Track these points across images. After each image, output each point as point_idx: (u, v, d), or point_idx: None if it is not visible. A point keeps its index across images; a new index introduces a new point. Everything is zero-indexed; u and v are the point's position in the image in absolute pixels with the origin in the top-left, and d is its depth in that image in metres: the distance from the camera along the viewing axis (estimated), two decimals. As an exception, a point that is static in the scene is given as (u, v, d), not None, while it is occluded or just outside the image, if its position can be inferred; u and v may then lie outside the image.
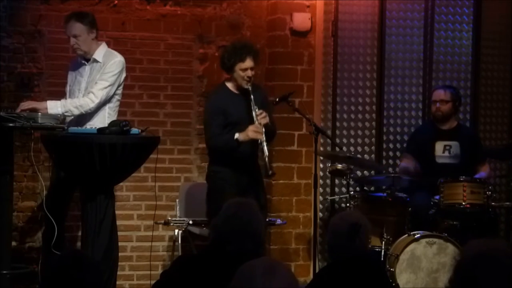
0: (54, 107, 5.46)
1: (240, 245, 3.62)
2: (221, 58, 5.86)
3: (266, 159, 5.60)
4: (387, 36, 7.20)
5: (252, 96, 5.66)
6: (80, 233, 5.86)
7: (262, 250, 3.75)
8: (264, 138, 5.58)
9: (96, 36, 5.65)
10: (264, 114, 5.63)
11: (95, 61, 5.62)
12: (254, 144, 5.72)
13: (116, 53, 5.69)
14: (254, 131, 5.59)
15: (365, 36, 7.15)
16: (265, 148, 5.59)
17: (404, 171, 6.60)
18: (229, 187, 5.62)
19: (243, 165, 5.71)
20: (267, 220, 5.90)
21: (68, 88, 5.77)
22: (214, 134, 5.70)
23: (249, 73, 5.68)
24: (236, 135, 5.61)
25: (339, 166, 6.43)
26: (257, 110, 5.63)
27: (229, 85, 5.80)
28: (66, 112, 5.49)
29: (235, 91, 5.77)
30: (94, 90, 5.52)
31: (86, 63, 5.66)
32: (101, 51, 5.64)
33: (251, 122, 5.63)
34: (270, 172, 5.78)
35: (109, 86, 5.55)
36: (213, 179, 5.78)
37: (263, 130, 5.60)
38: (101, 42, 5.74)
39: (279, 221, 6.40)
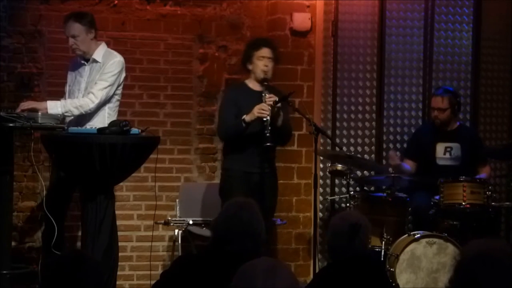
0: (54, 107, 5.45)
1: (240, 245, 3.61)
2: (242, 57, 5.95)
3: (268, 129, 5.54)
4: (387, 36, 7.20)
5: (265, 83, 5.74)
6: (80, 233, 5.86)
7: (262, 250, 3.75)
8: (269, 118, 5.57)
9: (95, 36, 5.65)
10: (274, 97, 5.66)
11: (95, 61, 5.61)
12: (264, 141, 5.71)
13: (115, 53, 5.69)
14: (259, 109, 5.61)
15: (365, 36, 7.15)
16: (269, 123, 5.55)
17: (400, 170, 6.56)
18: (237, 186, 5.67)
19: (255, 165, 5.74)
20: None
21: (67, 88, 5.76)
22: (224, 122, 5.79)
23: (266, 62, 5.76)
24: (244, 116, 5.64)
25: (339, 166, 6.42)
26: (266, 94, 5.67)
27: (248, 82, 5.89)
28: (66, 112, 5.49)
29: (253, 88, 5.82)
30: (94, 90, 5.51)
31: (85, 63, 5.66)
32: (100, 51, 5.63)
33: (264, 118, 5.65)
34: (268, 143, 5.56)
35: (108, 86, 5.55)
36: (223, 177, 5.89)
37: (269, 109, 5.59)
38: (100, 42, 5.73)
39: (279, 221, 6.40)
